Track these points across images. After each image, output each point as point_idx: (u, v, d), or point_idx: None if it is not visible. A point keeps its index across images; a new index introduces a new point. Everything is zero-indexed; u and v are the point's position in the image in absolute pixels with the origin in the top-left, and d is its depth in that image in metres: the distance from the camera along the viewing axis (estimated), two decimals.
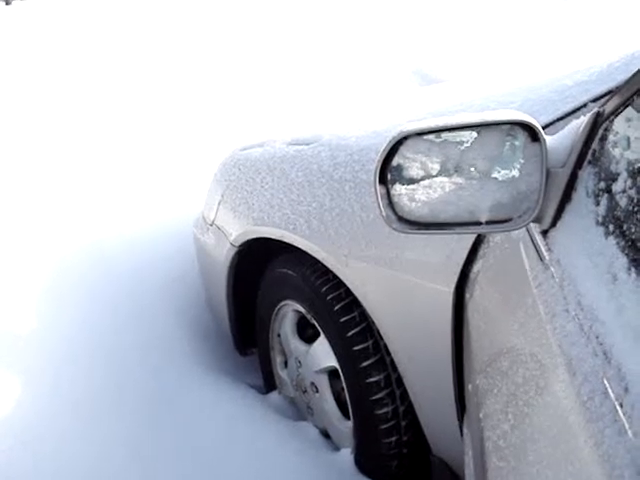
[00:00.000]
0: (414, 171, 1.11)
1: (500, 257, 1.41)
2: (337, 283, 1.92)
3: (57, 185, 3.30)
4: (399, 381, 1.84)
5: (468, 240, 1.54)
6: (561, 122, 1.51)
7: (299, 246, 1.97)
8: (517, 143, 1.14)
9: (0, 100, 4.27)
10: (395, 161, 1.12)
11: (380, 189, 1.12)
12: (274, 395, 2.37)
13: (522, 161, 1.14)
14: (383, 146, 1.12)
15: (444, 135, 1.12)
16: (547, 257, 1.16)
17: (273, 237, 2.07)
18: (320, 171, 1.97)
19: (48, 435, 2.04)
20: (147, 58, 4.72)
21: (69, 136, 3.78)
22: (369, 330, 1.87)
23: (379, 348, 1.86)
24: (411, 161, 1.11)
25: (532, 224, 1.26)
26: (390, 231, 1.70)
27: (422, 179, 1.12)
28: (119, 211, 3.13)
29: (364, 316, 1.88)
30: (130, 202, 3.20)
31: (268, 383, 2.41)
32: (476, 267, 1.51)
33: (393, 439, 1.88)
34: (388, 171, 1.12)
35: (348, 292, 1.90)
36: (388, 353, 1.84)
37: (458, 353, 1.61)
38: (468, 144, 1.12)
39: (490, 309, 1.40)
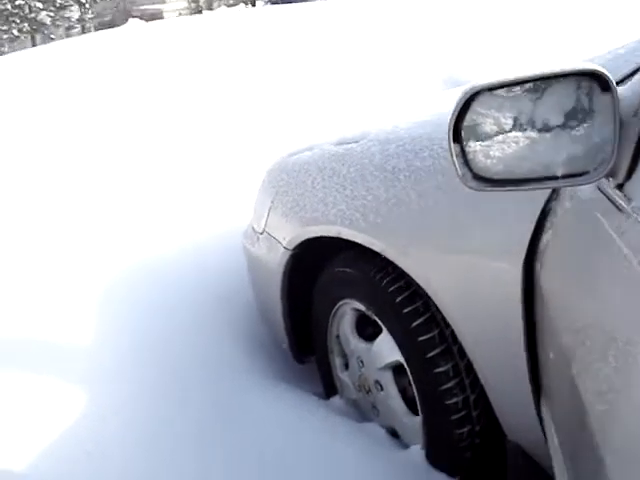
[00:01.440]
0: (487, 127, 1.10)
1: (573, 222, 1.39)
2: (397, 275, 1.91)
3: (110, 197, 3.34)
4: (468, 369, 1.81)
5: (534, 213, 1.52)
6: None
7: (357, 240, 1.96)
8: (588, 94, 1.13)
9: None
10: (468, 118, 1.11)
11: (455, 147, 1.11)
12: (336, 399, 2.34)
13: (594, 112, 1.13)
14: (455, 103, 1.11)
15: (515, 89, 1.11)
16: (627, 207, 1.14)
17: (329, 235, 2.06)
18: (372, 164, 1.97)
19: (112, 447, 2.03)
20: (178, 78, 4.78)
21: (121, 151, 3.84)
22: (433, 320, 1.84)
23: (445, 337, 1.83)
24: (484, 117, 1.10)
25: (605, 180, 1.24)
26: (450, 214, 1.71)
27: (496, 135, 1.11)
28: (170, 225, 3.16)
29: (427, 306, 1.86)
30: (181, 216, 3.23)
31: (328, 388, 2.39)
32: (545, 238, 1.48)
33: (465, 430, 1.84)
34: (461, 129, 1.11)
35: (409, 283, 1.89)
36: (455, 341, 1.81)
37: (529, 331, 1.58)
38: (539, 97, 1.11)
39: (567, 277, 1.38)
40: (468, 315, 1.71)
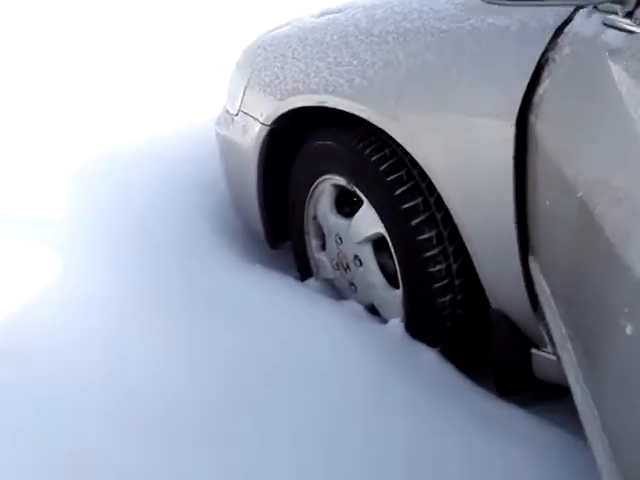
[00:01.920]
0: None
1: (573, 67, 1.36)
2: (381, 144, 1.87)
3: (71, 92, 3.23)
4: (451, 238, 1.79)
5: (528, 65, 1.48)
6: None
7: (341, 107, 1.90)
8: None
9: None
10: None
11: None
12: (311, 281, 2.32)
13: None
14: None
15: None
16: (638, 30, 1.10)
17: (310, 104, 2.00)
18: (358, 29, 1.91)
19: (89, 317, 1.98)
20: None
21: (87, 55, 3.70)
22: (417, 187, 1.81)
23: (429, 205, 1.80)
24: None
25: (611, 15, 1.20)
26: (440, 74, 1.66)
27: None
28: (148, 113, 3.07)
29: (411, 174, 1.82)
30: (160, 104, 3.14)
31: (304, 271, 2.36)
32: (541, 89, 1.45)
33: (447, 298, 1.83)
34: None
35: (393, 152, 1.85)
36: (439, 210, 1.79)
37: (520, 192, 1.56)
38: None
39: (566, 125, 1.35)
40: (457, 177, 1.68)
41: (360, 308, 2.10)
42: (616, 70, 1.17)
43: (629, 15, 1.14)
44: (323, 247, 2.25)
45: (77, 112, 3.10)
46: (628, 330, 0.86)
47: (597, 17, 1.28)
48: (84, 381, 1.71)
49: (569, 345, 1.29)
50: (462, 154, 1.65)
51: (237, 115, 2.36)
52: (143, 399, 1.71)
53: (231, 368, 1.88)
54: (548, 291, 1.44)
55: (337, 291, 2.25)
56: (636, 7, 1.13)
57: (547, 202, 1.41)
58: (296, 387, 1.84)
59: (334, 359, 1.92)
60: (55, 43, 3.79)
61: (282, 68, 2.12)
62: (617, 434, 0.99)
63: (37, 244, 2.22)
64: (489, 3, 1.10)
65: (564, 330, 1.33)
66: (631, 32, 1.12)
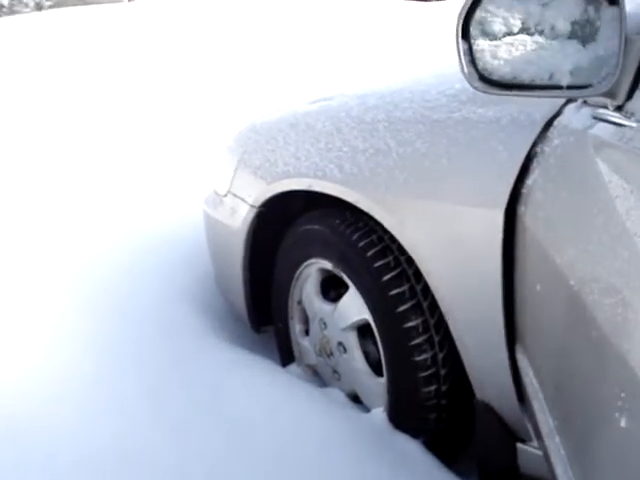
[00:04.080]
0: (496, 26, 1.07)
1: (563, 159, 1.36)
2: (368, 230, 1.87)
3: (58, 184, 3.23)
4: (437, 327, 1.77)
5: (518, 157, 1.50)
6: None
7: (329, 192, 1.91)
8: (595, 5, 1.11)
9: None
10: (477, 15, 1.07)
11: (462, 44, 1.08)
12: (293, 367, 2.28)
13: (600, 25, 1.11)
14: None
15: None
16: (629, 124, 1.11)
17: (299, 188, 2.01)
18: (349, 117, 1.93)
19: (71, 397, 1.93)
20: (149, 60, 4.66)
21: (68, 138, 3.71)
22: (404, 274, 1.80)
23: (415, 292, 1.79)
24: (493, 15, 1.06)
25: (601, 108, 1.22)
26: (430, 162, 1.68)
27: (504, 36, 1.07)
28: (134, 194, 3.07)
29: (398, 261, 1.81)
30: (145, 186, 3.15)
31: (286, 356, 2.32)
32: (530, 180, 1.46)
33: (432, 388, 1.80)
34: (470, 26, 1.08)
35: (380, 238, 1.84)
36: (425, 297, 1.77)
37: (507, 282, 1.55)
38: (548, 2, 1.08)
39: (556, 216, 1.35)
40: (444, 265, 1.67)
41: (343, 396, 2.06)
42: (606, 163, 1.18)
43: (619, 109, 1.16)
44: (307, 332, 2.22)
45: (66, 188, 3.09)
46: (622, 423, 0.84)
47: (587, 110, 1.30)
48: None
49: (557, 439, 1.25)
50: (450, 242, 1.64)
51: (226, 196, 2.37)
52: None
53: (214, 456, 1.82)
54: (536, 382, 1.42)
55: (319, 378, 2.20)
56: (626, 101, 1.14)
57: (535, 292, 1.40)
58: (277, 475, 1.78)
59: (316, 448, 1.87)
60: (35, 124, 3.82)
61: (273, 151, 2.13)
62: None
63: (22, 322, 2.19)
64: (483, 92, 1.12)
65: (552, 423, 1.30)
66: (621, 125, 1.13)
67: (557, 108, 1.47)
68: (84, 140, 3.56)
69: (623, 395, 0.88)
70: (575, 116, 1.36)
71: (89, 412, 1.96)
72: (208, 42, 4.83)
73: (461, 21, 1.08)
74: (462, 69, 1.10)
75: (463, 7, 1.08)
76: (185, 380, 2.17)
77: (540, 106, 1.51)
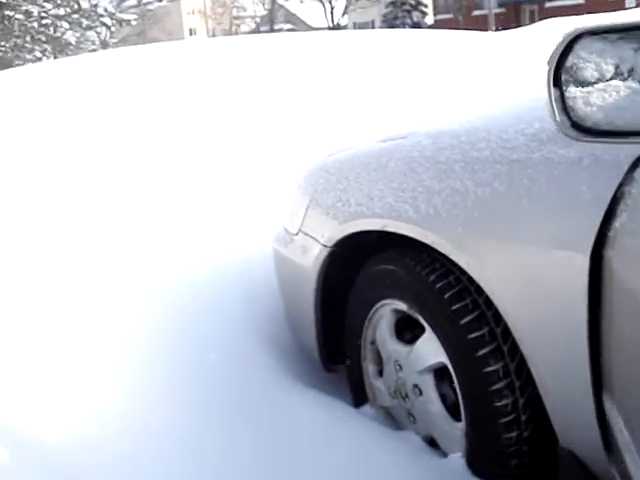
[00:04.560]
0: (589, 72, 1.04)
1: None
2: (445, 271, 1.83)
3: (142, 204, 3.29)
4: (518, 371, 1.72)
5: (604, 198, 1.45)
6: None
7: (405, 233, 1.89)
8: None
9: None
10: (569, 61, 1.05)
11: (554, 92, 1.05)
12: (367, 408, 2.25)
13: None
14: (556, 45, 1.05)
15: (618, 36, 1.05)
16: None
17: (374, 228, 1.99)
18: (423, 157, 1.91)
19: (146, 440, 1.94)
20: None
21: (145, 172, 3.78)
22: (483, 317, 1.76)
23: (495, 336, 1.75)
24: (586, 62, 1.04)
25: None
26: (510, 203, 1.64)
27: (597, 82, 1.04)
28: (201, 233, 3.10)
29: (477, 303, 1.78)
30: (210, 225, 3.18)
31: (358, 397, 2.29)
32: (618, 222, 1.41)
33: (513, 434, 1.74)
34: (562, 73, 1.05)
35: (458, 279, 1.81)
36: (505, 341, 1.73)
37: (593, 326, 1.50)
38: None
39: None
40: (526, 307, 1.62)
41: (419, 439, 2.02)
42: None
43: None
44: (380, 373, 2.19)
45: (142, 220, 3.14)
46: None
47: None
48: None
49: None
50: (532, 284, 1.60)
51: (297, 235, 2.37)
52: None
53: None
54: (627, 433, 1.36)
55: (394, 420, 2.17)
56: None
57: (625, 337, 1.35)
58: None
59: None
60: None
61: (345, 191, 2.12)
62: None
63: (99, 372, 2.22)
64: (576, 140, 1.09)
65: None
66: None
67: None
68: (159, 174, 3.61)
69: None
70: None
71: (166, 451, 1.97)
72: (277, 79, 4.87)
73: (552, 68, 1.06)
74: (554, 117, 1.07)
75: (554, 54, 1.06)
76: (256, 419, 2.17)
77: (625, 146, 1.46)
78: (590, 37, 1.04)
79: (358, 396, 2.29)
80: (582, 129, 1.06)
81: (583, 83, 1.05)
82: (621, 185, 1.43)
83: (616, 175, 1.45)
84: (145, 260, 2.89)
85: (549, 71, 1.06)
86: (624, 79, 1.05)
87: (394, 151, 2.03)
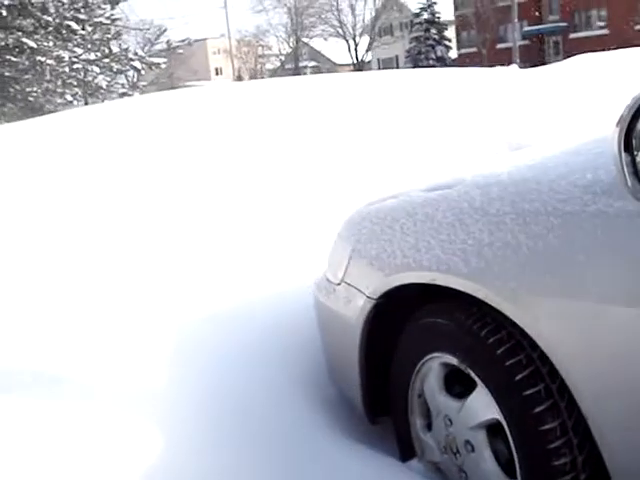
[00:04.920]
0: None
1: None
2: (497, 325, 1.79)
3: (186, 248, 3.29)
4: (576, 428, 1.67)
5: None
6: None
7: (455, 287, 1.85)
8: None
9: None
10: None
11: (625, 157, 1.02)
12: (414, 462, 2.19)
13: None
14: (626, 109, 1.02)
15: None
16: None
17: (421, 281, 1.96)
18: (472, 208, 1.88)
19: None
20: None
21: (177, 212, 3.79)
22: (538, 373, 1.71)
23: (551, 392, 1.70)
24: None
25: None
26: (566, 255, 1.60)
27: None
28: (240, 280, 3.09)
29: (531, 359, 1.73)
30: (250, 272, 3.16)
31: (405, 451, 2.24)
32: None
33: None
34: (632, 137, 1.02)
35: (510, 334, 1.77)
36: (562, 398, 1.68)
37: None
38: None
39: None
40: (584, 364, 1.58)
41: None
42: None
43: None
44: (429, 427, 2.14)
45: (178, 277, 3.13)
46: None
47: None
48: None
49: None
50: (591, 341, 1.56)
51: (339, 285, 2.34)
52: None
53: None
54: None
55: (443, 475, 2.11)
56: None
57: None
58: None
59: None
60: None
61: (390, 242, 2.09)
62: None
63: (129, 421, 2.19)
64: None
65: None
66: None
67: None
68: (182, 220, 3.61)
69: None
70: None
71: None
72: (308, 123, 4.88)
73: (623, 131, 1.03)
74: (625, 182, 1.04)
75: (623, 118, 1.03)
76: (300, 474, 2.12)
77: None
78: None
79: (405, 450, 2.24)
80: None
81: None
82: None
83: None
84: (192, 311, 2.88)
85: (619, 135, 1.03)
86: None
87: (441, 201, 2.01)
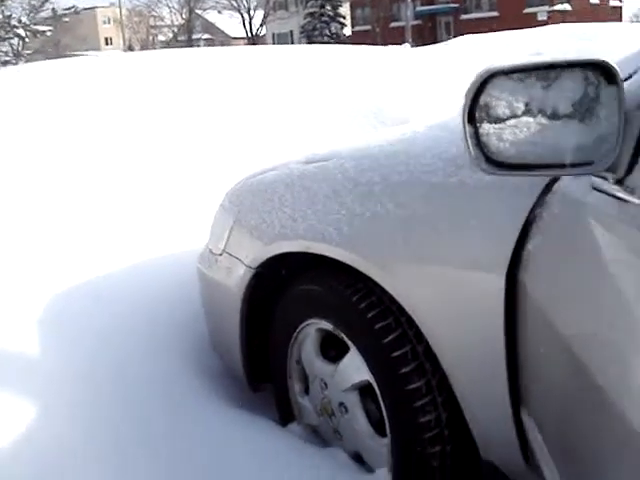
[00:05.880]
0: (501, 110, 1.10)
1: (563, 227, 1.39)
2: (368, 291, 1.88)
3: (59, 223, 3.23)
4: (440, 388, 1.78)
5: (518, 221, 1.52)
6: None
7: (328, 254, 1.92)
8: (595, 86, 1.14)
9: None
10: (482, 100, 1.10)
11: (469, 128, 1.10)
12: (294, 426, 2.27)
13: (600, 104, 1.14)
14: (470, 84, 1.10)
15: (527, 75, 1.11)
16: (630, 199, 1.14)
17: (297, 250, 2.02)
18: (346, 179, 1.95)
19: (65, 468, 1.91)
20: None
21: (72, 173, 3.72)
22: (406, 335, 1.81)
23: (417, 353, 1.80)
24: (498, 100, 1.10)
25: (602, 179, 1.25)
26: (429, 226, 1.70)
27: (508, 119, 1.11)
28: (121, 251, 3.06)
29: (399, 322, 1.82)
30: (132, 244, 3.14)
31: (285, 415, 2.31)
32: (531, 245, 1.48)
33: (437, 449, 1.80)
34: (476, 111, 1.11)
35: (380, 299, 1.86)
36: (427, 359, 1.78)
37: (510, 342, 1.57)
38: (550, 85, 1.12)
39: (556, 283, 1.37)
40: (446, 326, 1.68)
41: (345, 456, 2.05)
42: (604, 235, 1.20)
43: (619, 182, 1.18)
44: (307, 391, 2.22)
45: (59, 243, 3.09)
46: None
47: (586, 179, 1.32)
48: None
49: None
50: (451, 304, 1.66)
51: (221, 255, 2.38)
52: None
53: None
54: (542, 443, 1.43)
55: (321, 437, 2.20)
56: (626, 175, 1.17)
57: (538, 354, 1.42)
58: None
59: None
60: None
61: (269, 212, 2.15)
62: None
63: (15, 387, 2.17)
64: (490, 174, 1.14)
65: None
66: (620, 199, 1.16)
67: None
68: (75, 196, 3.55)
69: (623, 453, 0.89)
70: (574, 183, 1.38)
71: (84, 466, 1.95)
72: (198, 96, 4.86)
73: (467, 106, 1.11)
74: (469, 152, 1.12)
75: (468, 92, 1.11)
76: (186, 442, 2.17)
77: None
78: (502, 76, 1.10)
79: (285, 414, 2.31)
80: (495, 163, 1.12)
81: (496, 120, 1.11)
82: (533, 209, 1.50)
83: (529, 198, 1.52)
84: (72, 270, 2.86)
85: (464, 109, 1.12)
86: (534, 116, 1.11)
87: (318, 173, 2.07)
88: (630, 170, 1.17)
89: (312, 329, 2.10)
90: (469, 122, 1.11)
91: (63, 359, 2.34)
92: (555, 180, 1.49)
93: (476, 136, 1.11)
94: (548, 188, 1.50)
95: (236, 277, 2.26)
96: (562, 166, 1.13)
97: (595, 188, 1.28)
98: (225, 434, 2.19)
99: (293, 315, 2.15)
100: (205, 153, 4.12)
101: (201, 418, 2.26)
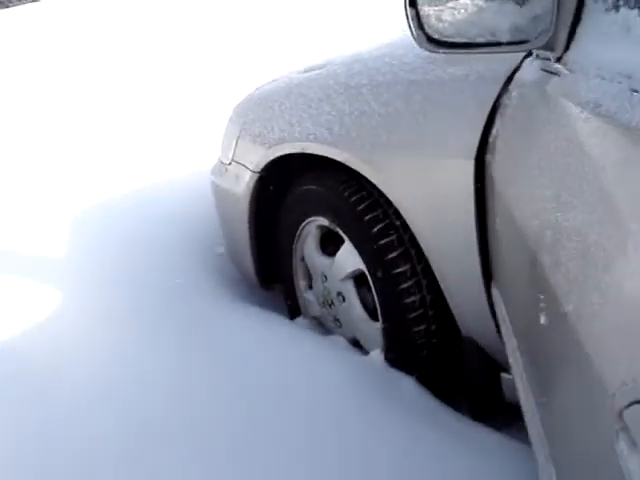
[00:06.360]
0: None
1: (519, 108, 1.51)
2: (359, 187, 2.02)
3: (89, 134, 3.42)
4: (424, 272, 1.93)
5: (484, 109, 1.64)
6: None
7: (320, 153, 2.07)
8: None
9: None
10: None
11: (410, 11, 1.22)
12: (300, 319, 2.45)
13: None
14: None
15: None
16: (565, 73, 1.26)
17: (294, 152, 2.17)
18: (337, 83, 2.09)
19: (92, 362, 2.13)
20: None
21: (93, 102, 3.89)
22: (392, 225, 1.96)
23: (403, 241, 1.95)
24: None
25: (546, 60, 1.37)
26: (409, 118, 1.83)
27: (448, 1, 1.22)
28: (145, 164, 3.25)
29: (386, 213, 1.97)
30: (155, 158, 3.32)
31: (293, 310, 2.49)
32: (495, 130, 1.61)
33: (422, 327, 1.96)
34: None
35: (370, 194, 2.00)
36: (413, 245, 1.93)
37: (481, 223, 1.70)
38: None
39: (514, 163, 1.50)
40: (425, 212, 1.83)
41: (344, 341, 2.23)
42: (548, 110, 1.32)
43: (559, 60, 1.30)
44: (310, 287, 2.39)
45: (77, 163, 3.28)
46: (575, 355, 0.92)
47: (537, 63, 1.44)
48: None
49: (521, 368, 1.40)
50: (429, 192, 1.80)
51: (230, 164, 2.53)
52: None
53: (230, 398, 2.01)
54: (506, 317, 1.56)
55: (324, 327, 2.38)
56: (564, 52, 1.29)
57: (502, 233, 1.55)
58: (286, 413, 1.97)
59: (320, 388, 2.04)
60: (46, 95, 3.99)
61: (270, 119, 2.29)
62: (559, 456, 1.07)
63: (37, 284, 2.38)
64: (431, 52, 1.27)
65: (520, 358, 1.44)
66: (560, 75, 1.27)
67: (517, 63, 1.61)
68: (92, 123, 3.73)
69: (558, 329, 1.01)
70: (529, 69, 1.50)
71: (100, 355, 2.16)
72: (201, 19, 4.96)
73: None
74: (412, 33, 1.25)
75: None
76: (205, 338, 2.35)
77: (504, 62, 1.65)
78: None
79: (293, 309, 2.49)
80: (436, 43, 1.24)
81: (436, 2, 1.23)
82: (499, 97, 1.63)
83: (494, 88, 1.65)
84: (87, 197, 3.05)
85: None
86: None
87: (312, 80, 2.21)
88: (567, 47, 1.28)
89: (312, 226, 2.26)
90: (410, 5, 1.23)
91: (95, 259, 2.55)
92: (516, 70, 1.61)
93: (418, 18, 1.23)
94: (510, 78, 1.62)
95: (243, 183, 2.42)
96: (498, 44, 1.24)
97: (543, 69, 1.39)
98: (238, 326, 2.38)
99: (295, 215, 2.30)
100: (221, 74, 4.24)
101: (218, 313, 2.45)
